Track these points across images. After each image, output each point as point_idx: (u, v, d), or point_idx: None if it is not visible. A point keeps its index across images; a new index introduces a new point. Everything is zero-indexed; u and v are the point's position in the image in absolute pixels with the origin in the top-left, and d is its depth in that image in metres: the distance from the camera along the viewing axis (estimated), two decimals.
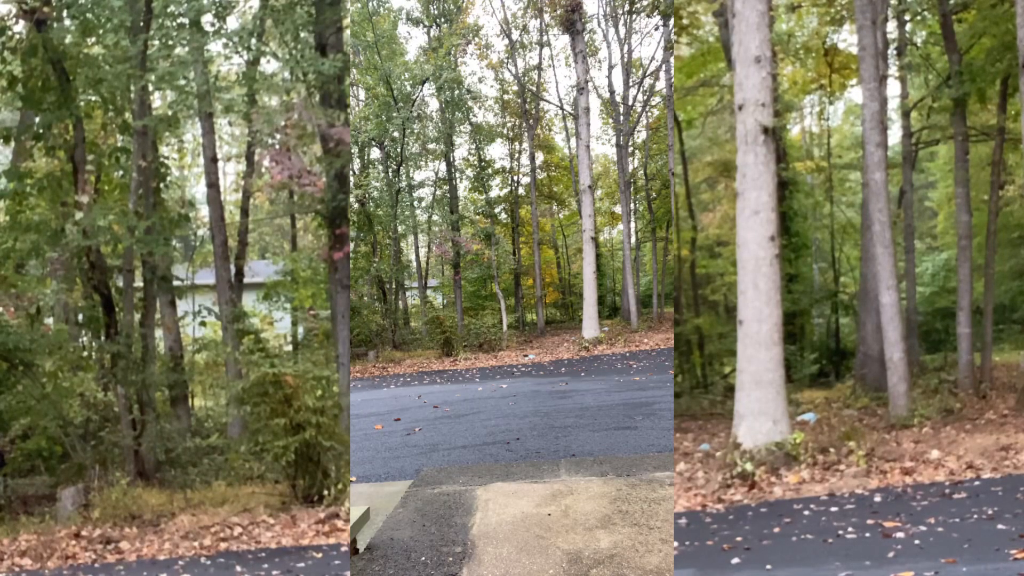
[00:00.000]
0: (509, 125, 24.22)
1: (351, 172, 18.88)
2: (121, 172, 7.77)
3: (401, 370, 13.75)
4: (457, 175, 22.15)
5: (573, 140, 23.01)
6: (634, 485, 2.23)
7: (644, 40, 29.76)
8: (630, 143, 22.40)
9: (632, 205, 23.86)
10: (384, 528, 1.97)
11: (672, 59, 17.68)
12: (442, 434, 4.64)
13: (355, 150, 19.72)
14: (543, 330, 21.18)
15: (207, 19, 7.38)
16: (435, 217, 22.17)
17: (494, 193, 23.64)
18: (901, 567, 3.42)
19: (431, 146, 21.38)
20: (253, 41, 7.74)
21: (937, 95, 9.65)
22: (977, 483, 4.93)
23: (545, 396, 6.25)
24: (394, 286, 20.43)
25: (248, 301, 8.82)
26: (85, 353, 7.47)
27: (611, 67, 21.62)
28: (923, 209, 19.10)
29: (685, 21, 11.79)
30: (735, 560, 3.69)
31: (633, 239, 24.11)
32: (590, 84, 19.38)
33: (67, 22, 7.14)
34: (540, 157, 25.62)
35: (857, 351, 9.67)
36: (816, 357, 12.28)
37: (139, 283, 7.45)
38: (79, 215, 6.45)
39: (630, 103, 21.39)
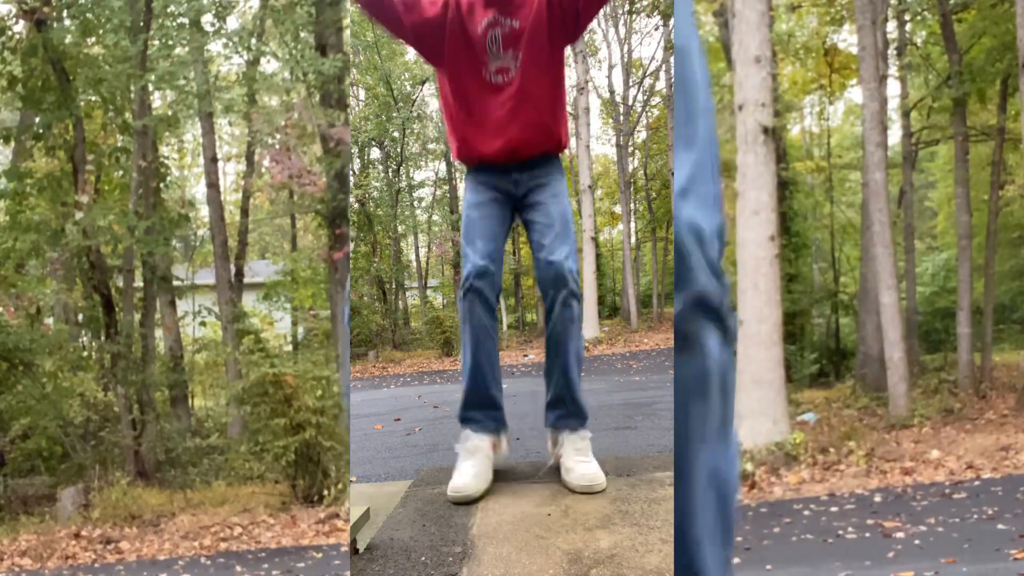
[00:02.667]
0: None
1: (351, 172, 18.86)
2: (121, 172, 7.77)
3: (401, 370, 13.77)
4: (457, 175, 22.16)
5: (573, 140, 23.03)
6: (634, 485, 2.23)
7: (644, 40, 29.64)
8: (630, 143, 22.41)
9: (632, 205, 23.84)
10: (384, 528, 1.97)
11: (672, 59, 17.67)
12: (442, 434, 4.64)
13: (355, 150, 19.72)
14: (543, 330, 21.16)
15: (207, 19, 7.39)
16: (435, 217, 22.16)
17: None
18: (901, 567, 3.42)
19: (431, 146, 21.37)
20: (253, 41, 7.74)
21: (937, 95, 9.65)
22: (977, 483, 4.93)
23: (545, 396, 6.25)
24: (394, 286, 20.44)
25: (248, 301, 8.82)
26: (85, 353, 7.47)
27: (611, 67, 21.63)
28: (923, 209, 19.10)
29: None
30: (735, 560, 3.69)
31: (633, 239, 24.10)
32: (590, 84, 19.40)
33: (67, 22, 7.15)
34: None
35: (857, 351, 9.68)
36: (816, 357, 12.28)
37: (139, 283, 7.46)
38: (79, 215, 6.45)
39: (630, 103, 21.41)
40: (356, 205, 19.00)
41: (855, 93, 15.94)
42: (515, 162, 2.24)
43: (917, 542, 3.82)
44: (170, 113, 7.80)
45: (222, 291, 7.60)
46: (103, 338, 7.02)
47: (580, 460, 2.13)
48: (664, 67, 19.57)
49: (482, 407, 2.20)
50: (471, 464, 2.11)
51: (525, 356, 14.21)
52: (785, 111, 12.90)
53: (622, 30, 21.59)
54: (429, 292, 23.36)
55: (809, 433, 6.16)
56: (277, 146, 7.59)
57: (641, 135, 23.52)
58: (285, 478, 5.91)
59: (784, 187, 11.20)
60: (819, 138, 16.82)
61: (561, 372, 2.22)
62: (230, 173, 19.51)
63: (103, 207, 6.66)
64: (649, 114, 22.70)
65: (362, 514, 1.80)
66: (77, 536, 5.35)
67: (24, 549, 5.19)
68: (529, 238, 2.28)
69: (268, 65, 9.83)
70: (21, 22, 6.81)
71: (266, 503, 5.77)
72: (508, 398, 6.57)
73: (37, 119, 7.07)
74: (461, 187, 22.43)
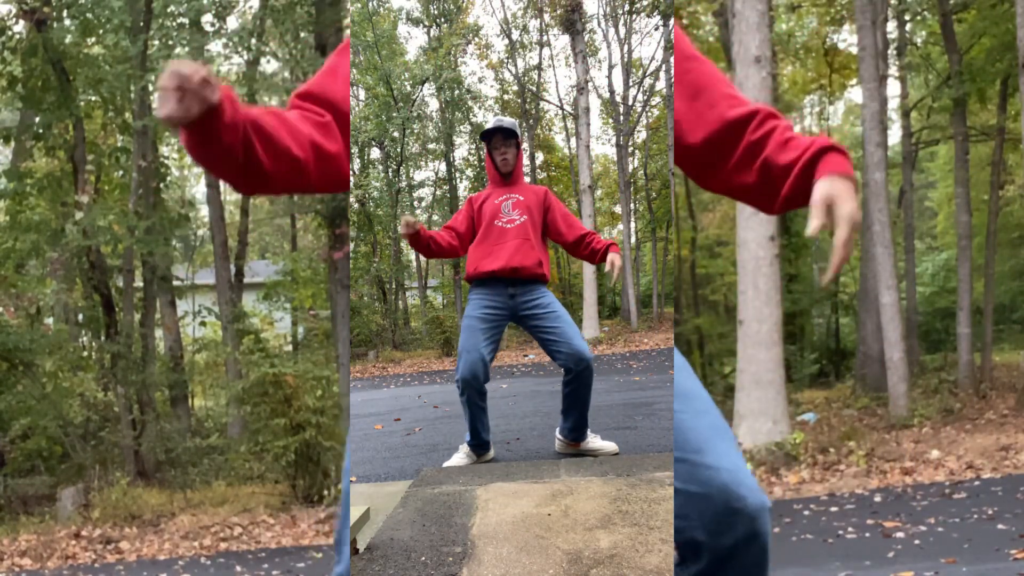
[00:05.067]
0: None
1: (351, 172, 18.85)
2: (121, 172, 7.77)
3: (401, 370, 13.77)
4: (457, 175, 22.15)
5: (573, 140, 23.01)
6: (634, 485, 2.23)
7: (644, 40, 29.63)
8: (630, 143, 22.40)
9: (632, 205, 23.82)
10: (384, 528, 1.97)
11: (672, 59, 17.61)
12: (442, 434, 4.64)
13: (355, 150, 19.71)
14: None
15: (207, 19, 7.39)
16: (435, 217, 22.17)
17: None
18: (901, 567, 3.42)
19: (431, 146, 21.37)
20: (253, 41, 7.74)
21: (937, 95, 9.65)
22: (977, 483, 4.93)
23: (545, 396, 6.24)
24: (394, 286, 20.43)
25: (248, 301, 8.82)
26: (85, 353, 7.47)
27: (611, 67, 21.63)
28: (923, 209, 19.10)
29: (685, 21, 11.78)
30: None
31: (633, 239, 24.09)
32: (590, 84, 19.38)
33: (67, 22, 7.14)
34: (540, 157, 25.61)
35: (857, 351, 9.67)
36: (816, 357, 12.28)
37: (139, 283, 7.45)
38: (79, 215, 6.45)
39: (630, 103, 21.40)
40: (356, 205, 19.00)
41: (855, 93, 15.95)
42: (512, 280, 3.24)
43: (917, 542, 3.82)
44: None
45: (222, 291, 7.60)
46: (103, 338, 7.02)
47: (600, 441, 3.41)
48: (664, 67, 19.56)
49: (478, 444, 3.34)
50: (464, 456, 3.39)
51: (525, 356, 14.21)
52: (785, 111, 12.90)
53: (622, 30, 21.59)
54: (429, 292, 23.36)
55: (809, 433, 6.16)
56: None
57: (641, 135, 23.51)
58: (285, 478, 5.91)
59: None
60: None
61: (580, 414, 3.25)
62: None
63: (103, 207, 6.66)
64: (649, 114, 22.68)
65: (362, 514, 1.80)
66: (77, 536, 5.35)
67: (24, 549, 5.19)
68: (538, 336, 3.18)
69: (268, 65, 9.83)
70: (21, 22, 6.80)
71: (266, 503, 5.77)
72: (508, 398, 6.49)
73: (37, 119, 7.07)
74: (461, 187, 22.45)
